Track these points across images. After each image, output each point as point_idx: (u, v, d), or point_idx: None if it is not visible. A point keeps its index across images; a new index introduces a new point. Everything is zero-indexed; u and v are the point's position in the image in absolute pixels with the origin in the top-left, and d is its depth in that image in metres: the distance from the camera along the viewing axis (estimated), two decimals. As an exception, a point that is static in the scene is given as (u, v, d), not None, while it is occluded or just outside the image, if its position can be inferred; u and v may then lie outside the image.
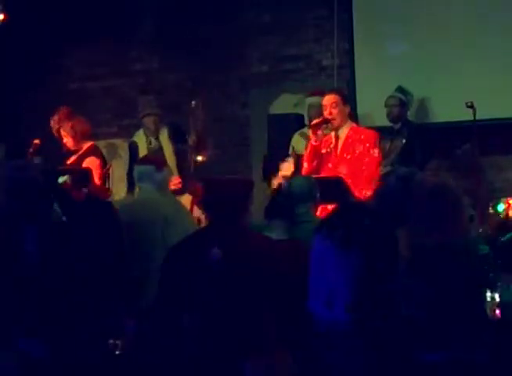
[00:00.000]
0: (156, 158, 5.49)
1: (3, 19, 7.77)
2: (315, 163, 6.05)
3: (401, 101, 7.15)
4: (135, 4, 8.93)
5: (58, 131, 6.93)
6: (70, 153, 6.94)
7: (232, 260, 3.95)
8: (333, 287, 3.73)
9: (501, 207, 5.84)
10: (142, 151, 7.23)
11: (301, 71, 8.41)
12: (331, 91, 6.27)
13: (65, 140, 6.89)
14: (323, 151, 6.06)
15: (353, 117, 6.74)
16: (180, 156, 7.23)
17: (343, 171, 5.90)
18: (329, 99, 6.09)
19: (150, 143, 7.29)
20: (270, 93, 8.40)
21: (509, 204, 5.82)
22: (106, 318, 4.21)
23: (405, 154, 6.81)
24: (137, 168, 5.13)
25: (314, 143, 6.03)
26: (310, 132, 6.11)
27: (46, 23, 8.88)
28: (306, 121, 7.44)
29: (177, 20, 8.72)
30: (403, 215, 3.81)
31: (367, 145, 5.95)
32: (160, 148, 7.26)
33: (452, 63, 7.55)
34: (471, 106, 6.84)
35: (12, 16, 7.81)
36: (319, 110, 7.21)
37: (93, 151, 6.92)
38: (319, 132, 6.02)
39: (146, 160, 5.38)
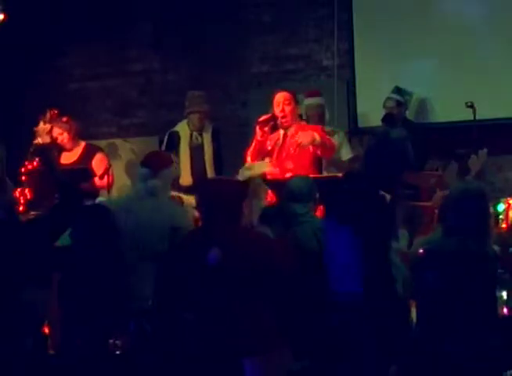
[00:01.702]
0: (155, 160, 5.21)
1: (3, 19, 7.77)
2: (260, 158, 6.04)
3: (398, 102, 7.13)
4: (135, 4, 8.93)
5: (50, 132, 6.91)
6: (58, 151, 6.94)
7: (230, 259, 3.95)
8: (337, 261, 3.79)
9: (501, 207, 5.84)
10: (184, 144, 7.06)
11: (301, 71, 8.40)
12: (283, 90, 6.25)
13: (60, 138, 6.88)
14: (269, 148, 6.06)
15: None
16: (217, 158, 7.11)
17: (289, 166, 5.92)
18: (282, 96, 6.10)
19: (192, 138, 7.13)
20: (270, 93, 8.39)
21: (509, 204, 5.82)
22: (107, 318, 4.21)
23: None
24: (138, 169, 5.14)
25: (259, 139, 6.02)
26: (257, 128, 6.06)
27: (46, 23, 8.87)
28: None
29: (177, 20, 8.71)
30: (386, 173, 3.87)
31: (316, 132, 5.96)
32: (201, 145, 7.10)
33: (452, 63, 7.55)
34: (471, 106, 6.85)
35: (12, 16, 7.81)
36: (316, 110, 7.24)
37: (96, 148, 6.97)
38: (266, 129, 6.02)
39: (144, 161, 5.18)
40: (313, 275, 4.58)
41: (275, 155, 6.04)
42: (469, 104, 6.85)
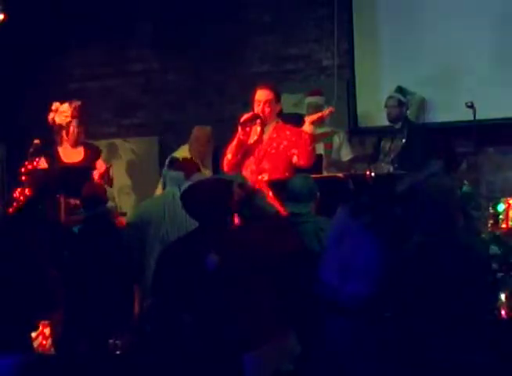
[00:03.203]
0: (187, 164, 5.51)
1: (3, 19, 7.76)
2: (239, 156, 5.96)
3: (399, 102, 7.10)
4: (135, 4, 8.93)
5: (70, 120, 6.82)
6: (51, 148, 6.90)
7: (228, 261, 3.95)
8: (351, 262, 3.79)
9: (501, 207, 5.84)
10: None
11: (301, 71, 8.40)
12: (266, 87, 6.03)
13: (74, 131, 6.79)
14: (249, 142, 5.99)
15: (280, 114, 6.31)
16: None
17: (265, 166, 5.86)
18: (263, 96, 5.93)
19: None
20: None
21: (509, 204, 5.82)
22: (107, 318, 4.21)
23: (405, 154, 6.81)
24: (167, 173, 5.33)
25: (241, 137, 5.91)
26: (239, 128, 5.94)
27: (46, 23, 8.88)
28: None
29: (177, 20, 8.71)
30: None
31: (293, 139, 5.86)
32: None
33: (452, 63, 7.55)
34: (471, 106, 6.85)
35: (12, 16, 7.81)
36: (315, 110, 7.23)
37: (97, 148, 6.92)
38: (248, 129, 5.94)
39: (177, 165, 5.35)
40: (313, 275, 4.58)
41: (252, 152, 5.97)
42: (469, 104, 6.85)
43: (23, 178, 6.77)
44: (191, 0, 8.65)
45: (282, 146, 5.86)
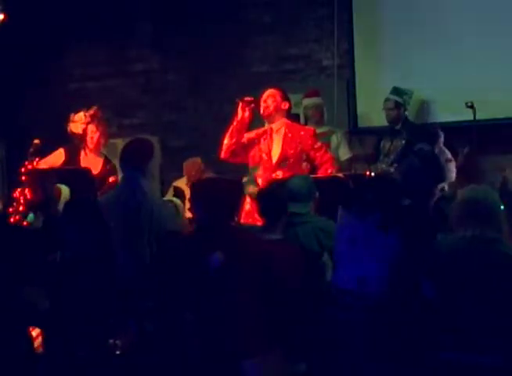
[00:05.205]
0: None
1: (3, 19, 7.76)
2: (235, 140, 5.90)
3: (396, 103, 7.09)
4: (135, 4, 8.94)
5: (86, 124, 6.74)
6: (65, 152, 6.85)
7: (230, 261, 3.95)
8: (368, 264, 3.78)
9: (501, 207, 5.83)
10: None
11: (301, 71, 8.41)
12: (272, 87, 6.08)
13: (90, 135, 6.71)
14: (245, 141, 5.93)
15: (293, 116, 6.42)
16: None
17: (279, 176, 5.81)
18: (268, 92, 5.96)
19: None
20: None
21: (509, 204, 5.81)
22: (107, 318, 4.21)
23: (405, 154, 6.80)
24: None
25: (239, 118, 5.87)
26: (239, 106, 5.90)
27: (46, 23, 8.88)
28: (301, 121, 7.41)
29: (177, 20, 8.72)
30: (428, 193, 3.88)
31: (309, 139, 5.88)
32: None
33: (452, 63, 7.55)
34: (471, 106, 6.85)
35: (12, 16, 7.81)
36: (313, 110, 7.24)
37: (115, 168, 6.72)
38: (247, 114, 5.85)
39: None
40: (313, 275, 4.58)
41: (266, 163, 5.92)
42: (469, 104, 6.86)
43: (23, 178, 6.77)
44: (191, 0, 8.66)
45: (299, 149, 5.84)
